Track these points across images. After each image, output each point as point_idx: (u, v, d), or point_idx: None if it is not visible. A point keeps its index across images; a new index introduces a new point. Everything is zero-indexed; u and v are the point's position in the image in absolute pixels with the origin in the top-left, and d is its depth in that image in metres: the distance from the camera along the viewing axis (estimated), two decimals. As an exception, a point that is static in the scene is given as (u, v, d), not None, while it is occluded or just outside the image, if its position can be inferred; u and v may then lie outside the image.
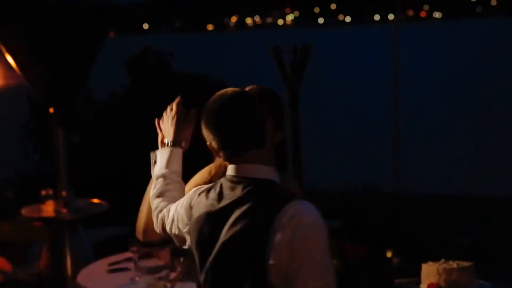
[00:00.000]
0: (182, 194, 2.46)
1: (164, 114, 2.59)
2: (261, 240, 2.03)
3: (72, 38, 5.59)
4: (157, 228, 2.47)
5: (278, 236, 2.01)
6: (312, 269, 2.01)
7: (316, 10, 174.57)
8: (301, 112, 5.48)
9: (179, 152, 2.53)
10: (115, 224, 7.23)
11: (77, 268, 5.25)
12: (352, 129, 19.54)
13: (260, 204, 2.08)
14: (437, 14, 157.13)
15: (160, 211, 2.45)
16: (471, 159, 14.17)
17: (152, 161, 2.58)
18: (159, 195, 2.48)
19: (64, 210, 5.88)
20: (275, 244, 2.01)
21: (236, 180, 2.17)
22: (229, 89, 2.24)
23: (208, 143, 2.24)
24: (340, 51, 55.97)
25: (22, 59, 5.65)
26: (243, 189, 2.14)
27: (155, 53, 9.73)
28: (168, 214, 2.39)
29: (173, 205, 2.39)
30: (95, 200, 6.23)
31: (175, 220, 2.33)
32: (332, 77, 36.48)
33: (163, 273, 4.20)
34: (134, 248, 4.28)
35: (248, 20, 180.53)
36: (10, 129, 10.44)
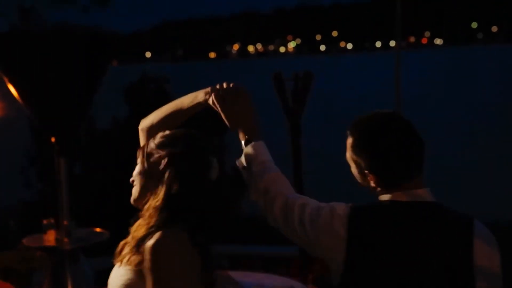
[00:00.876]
0: (287, 181, 2.33)
1: (221, 95, 2.38)
2: (467, 265, 2.03)
3: (74, 67, 5.61)
4: (272, 218, 2.27)
5: (482, 257, 2.05)
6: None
7: (318, 37, 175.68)
8: (303, 140, 5.47)
9: (263, 143, 2.38)
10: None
11: (78, 298, 5.21)
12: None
13: (453, 230, 2.07)
14: (438, 41, 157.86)
15: (280, 204, 2.25)
16: (473, 183, 14.13)
17: (240, 167, 2.40)
18: (267, 188, 2.28)
19: (66, 239, 5.85)
20: (480, 266, 2.04)
21: (413, 206, 2.09)
22: (392, 113, 2.19)
23: (363, 170, 2.14)
24: (342, 78, 56.11)
25: (24, 89, 5.66)
26: (426, 216, 2.08)
27: (152, 81, 9.77)
28: (295, 210, 2.20)
29: (306, 207, 2.19)
30: (97, 229, 6.21)
31: (314, 227, 2.15)
32: (334, 104, 36.50)
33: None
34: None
35: (250, 48, 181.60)
36: (12, 158, 10.44)
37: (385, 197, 2.13)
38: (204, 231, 2.17)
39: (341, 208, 2.14)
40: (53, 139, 5.82)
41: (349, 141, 2.19)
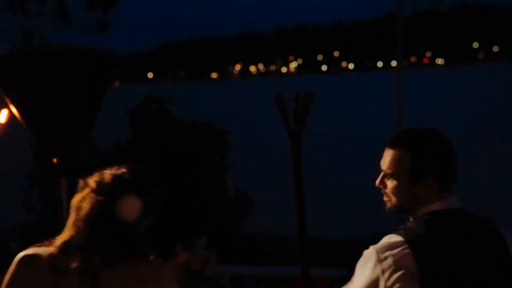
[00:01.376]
0: None
1: None
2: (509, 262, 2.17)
3: (75, 88, 5.62)
4: None
5: None
6: None
7: (320, 57, 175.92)
8: (304, 159, 5.46)
9: None
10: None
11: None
12: (356, 175, 19.50)
13: (493, 231, 2.18)
14: (439, 61, 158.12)
15: None
16: (475, 205, 14.09)
17: None
18: None
19: (67, 261, 5.82)
20: None
21: (465, 212, 2.21)
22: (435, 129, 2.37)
23: (419, 175, 2.22)
24: (343, 98, 56.17)
25: (26, 110, 5.67)
26: (479, 220, 2.20)
27: (156, 102, 9.79)
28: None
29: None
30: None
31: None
32: (336, 123, 36.50)
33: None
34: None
35: (252, 68, 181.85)
36: (14, 180, 10.43)
37: (427, 208, 2.19)
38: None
39: (397, 243, 2.18)
40: (54, 160, 5.81)
41: (397, 152, 2.29)
